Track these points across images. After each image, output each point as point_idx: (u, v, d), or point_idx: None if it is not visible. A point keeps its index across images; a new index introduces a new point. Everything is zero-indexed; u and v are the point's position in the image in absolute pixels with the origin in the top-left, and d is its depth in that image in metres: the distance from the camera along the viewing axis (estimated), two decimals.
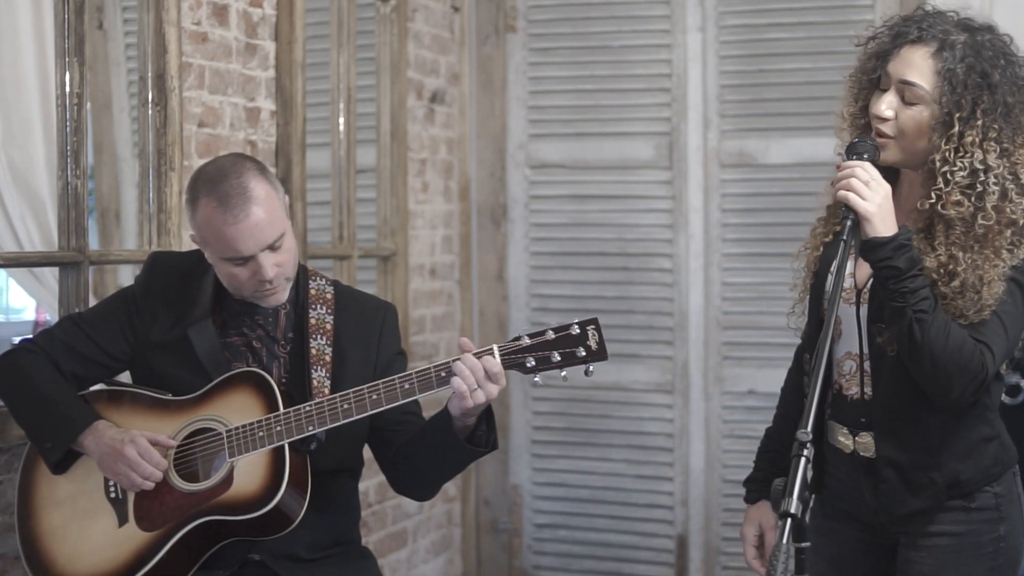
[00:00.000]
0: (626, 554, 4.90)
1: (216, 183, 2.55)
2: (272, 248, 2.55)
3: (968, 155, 2.34)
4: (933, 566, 2.44)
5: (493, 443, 2.56)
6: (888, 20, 2.50)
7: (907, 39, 2.40)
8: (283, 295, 2.64)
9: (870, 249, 2.30)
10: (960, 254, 2.34)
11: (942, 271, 2.34)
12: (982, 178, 2.34)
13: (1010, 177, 2.35)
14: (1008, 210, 2.35)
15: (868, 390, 2.45)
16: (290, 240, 2.60)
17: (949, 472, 2.42)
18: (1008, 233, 2.35)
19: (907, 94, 2.38)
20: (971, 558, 2.44)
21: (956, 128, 2.35)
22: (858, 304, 2.45)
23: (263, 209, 2.53)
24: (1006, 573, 2.46)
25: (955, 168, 2.34)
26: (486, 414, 2.54)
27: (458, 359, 2.46)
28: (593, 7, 4.92)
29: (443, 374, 2.46)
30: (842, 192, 2.32)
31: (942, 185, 2.35)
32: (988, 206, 2.33)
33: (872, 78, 2.46)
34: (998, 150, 2.35)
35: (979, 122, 2.34)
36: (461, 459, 2.60)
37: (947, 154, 2.35)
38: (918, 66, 2.38)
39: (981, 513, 2.44)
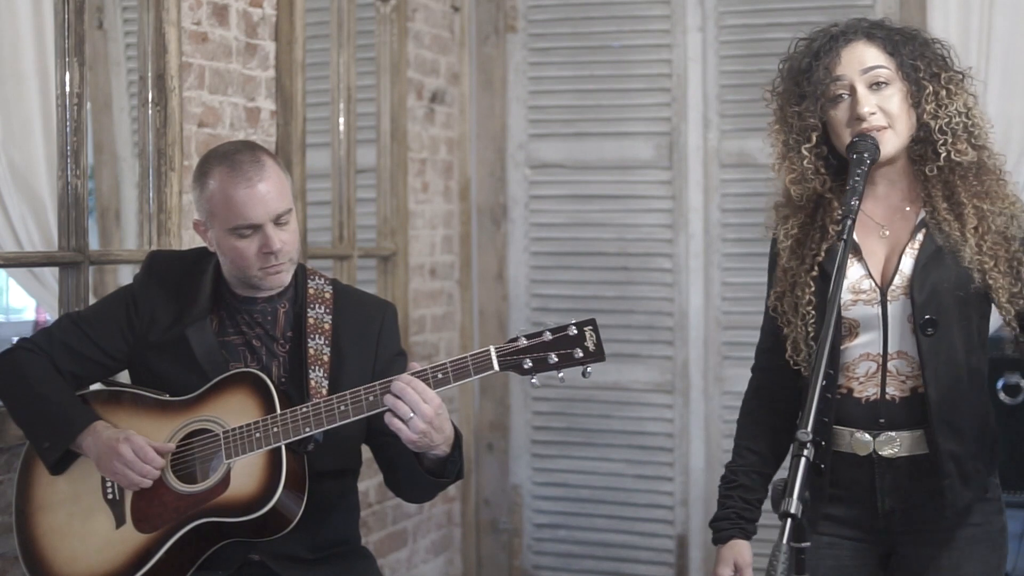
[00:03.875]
0: (626, 554, 4.89)
1: (229, 155, 2.62)
2: (278, 224, 2.59)
3: (951, 103, 2.40)
4: (955, 560, 2.41)
5: (458, 473, 2.54)
6: (793, 53, 2.51)
7: (839, 44, 2.42)
8: (287, 276, 2.66)
9: None
10: (985, 206, 2.37)
11: (981, 247, 2.36)
12: (967, 121, 2.40)
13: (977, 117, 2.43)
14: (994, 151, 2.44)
15: (891, 390, 2.41)
16: (295, 222, 2.65)
17: (985, 459, 2.42)
18: (1000, 174, 2.43)
19: (875, 79, 2.40)
20: (988, 549, 2.43)
21: (930, 88, 2.40)
22: (884, 303, 2.41)
23: (274, 179, 2.60)
24: (1002, 564, 2.46)
25: (949, 116, 2.39)
26: (457, 441, 2.51)
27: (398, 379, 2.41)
28: (593, 7, 4.91)
29: (439, 375, 2.45)
30: None
31: (943, 138, 2.39)
32: (988, 144, 2.41)
33: (816, 100, 2.42)
34: (963, 94, 2.42)
35: (939, 76, 2.41)
36: (429, 488, 2.58)
37: (935, 110, 2.39)
38: (868, 53, 2.41)
39: (991, 504, 2.44)
